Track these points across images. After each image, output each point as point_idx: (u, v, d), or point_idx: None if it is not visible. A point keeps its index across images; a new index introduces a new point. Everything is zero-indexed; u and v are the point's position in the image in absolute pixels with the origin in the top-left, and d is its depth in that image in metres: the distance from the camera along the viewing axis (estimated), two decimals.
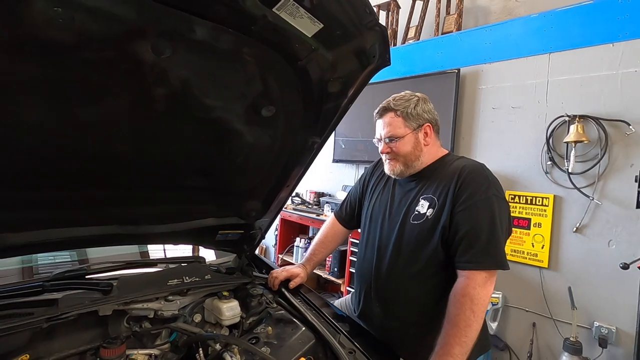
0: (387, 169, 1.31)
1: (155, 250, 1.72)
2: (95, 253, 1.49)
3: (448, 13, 3.09)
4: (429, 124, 1.26)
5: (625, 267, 1.21)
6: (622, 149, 2.12)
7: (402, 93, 1.29)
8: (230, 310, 1.11)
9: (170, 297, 1.11)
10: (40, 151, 0.77)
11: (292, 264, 2.92)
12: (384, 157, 1.31)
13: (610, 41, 2.16)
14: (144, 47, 0.68)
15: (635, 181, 1.15)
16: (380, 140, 1.30)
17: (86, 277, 1.07)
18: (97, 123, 0.78)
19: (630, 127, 2.06)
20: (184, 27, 0.68)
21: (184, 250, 1.60)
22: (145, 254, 1.70)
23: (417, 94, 1.29)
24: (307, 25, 0.74)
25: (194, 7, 0.64)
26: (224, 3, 0.64)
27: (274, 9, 0.69)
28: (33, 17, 0.56)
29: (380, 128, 1.29)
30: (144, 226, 1.08)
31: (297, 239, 3.67)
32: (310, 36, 0.76)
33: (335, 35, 0.78)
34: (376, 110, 1.31)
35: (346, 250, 3.04)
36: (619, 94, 2.13)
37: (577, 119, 2.21)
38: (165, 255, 1.68)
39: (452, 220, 1.11)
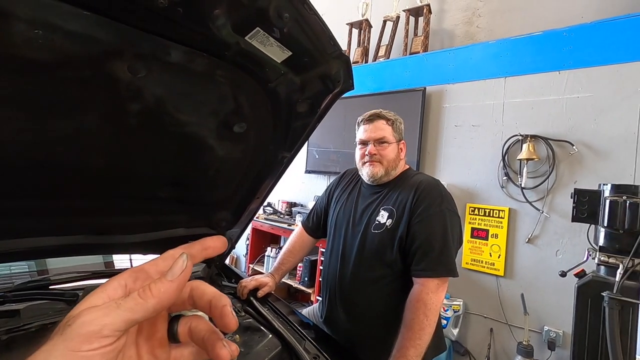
0: (367, 171, 1.37)
1: (121, 261, 1.70)
2: (56, 263, 1.45)
3: (416, 35, 3.27)
4: (404, 142, 1.41)
5: (563, 274, 1.34)
6: (567, 166, 2.33)
7: (387, 110, 1.41)
8: None
9: None
10: (11, 162, 0.78)
11: (262, 273, 2.93)
12: (366, 159, 1.37)
13: (556, 69, 2.39)
14: (121, 67, 0.72)
15: (571, 197, 1.29)
16: (365, 143, 1.37)
17: (50, 287, 1.07)
18: (70, 136, 0.80)
19: (574, 147, 2.28)
20: (160, 50, 0.72)
21: (150, 260, 1.60)
22: (110, 264, 1.68)
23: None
24: (276, 53, 0.81)
25: (171, 33, 0.69)
26: (200, 32, 0.69)
27: (246, 37, 0.75)
28: (12, 38, 0.59)
29: (370, 131, 1.36)
30: (114, 236, 1.09)
31: (269, 248, 3.68)
32: (279, 62, 0.83)
33: (302, 62, 0.85)
34: (364, 117, 1.40)
35: (316, 259, 3.10)
36: (565, 117, 2.35)
37: (528, 138, 2.42)
38: (131, 265, 1.66)
39: (409, 231, 1.21)
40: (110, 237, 1.12)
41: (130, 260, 1.71)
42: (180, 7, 0.63)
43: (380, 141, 1.34)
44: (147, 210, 1.16)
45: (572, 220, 1.28)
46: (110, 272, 1.40)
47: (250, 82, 0.87)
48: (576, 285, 1.27)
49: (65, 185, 0.92)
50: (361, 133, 1.39)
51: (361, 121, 1.40)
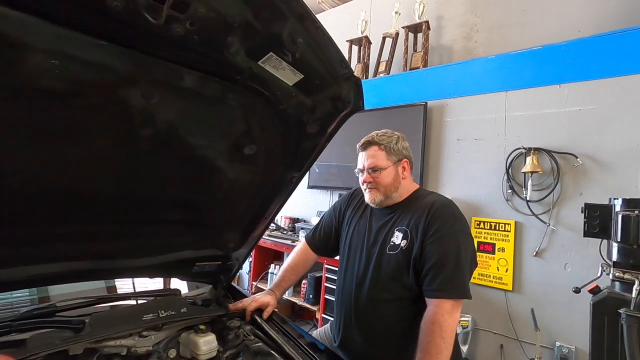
0: (367, 198, 1.39)
1: (123, 285, 1.66)
2: (57, 289, 1.42)
3: (415, 50, 3.32)
4: (407, 160, 1.38)
5: (577, 291, 1.32)
6: (572, 179, 2.33)
7: (384, 130, 1.40)
8: (207, 344, 1.10)
9: (144, 333, 1.09)
10: (21, 188, 0.77)
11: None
12: (365, 186, 1.39)
13: (557, 82, 2.41)
14: (135, 93, 0.72)
15: (582, 212, 1.28)
16: (362, 170, 1.39)
17: (56, 314, 1.04)
18: (82, 161, 0.79)
19: (578, 159, 2.28)
20: (173, 76, 0.73)
21: (154, 283, 1.56)
22: (112, 288, 1.64)
23: (396, 132, 1.40)
24: (288, 76, 0.81)
25: (185, 60, 0.70)
26: (214, 58, 0.69)
27: (259, 62, 0.75)
28: (30, 68, 0.59)
29: (364, 159, 1.37)
30: (120, 260, 1.07)
31: (272, 265, 3.64)
32: (291, 85, 0.83)
33: (314, 84, 0.85)
34: (359, 144, 1.41)
35: (321, 276, 3.06)
36: (567, 130, 2.36)
37: (532, 151, 2.42)
38: (134, 289, 1.63)
39: (422, 252, 1.19)
40: (116, 262, 1.10)
41: (133, 284, 1.68)
42: (196, 35, 0.63)
43: (373, 169, 1.34)
44: (154, 234, 1.14)
45: (584, 236, 1.26)
46: (115, 297, 1.37)
47: (261, 105, 0.88)
48: (591, 302, 1.24)
49: (73, 211, 0.91)
50: (359, 161, 1.42)
51: (358, 148, 1.43)
